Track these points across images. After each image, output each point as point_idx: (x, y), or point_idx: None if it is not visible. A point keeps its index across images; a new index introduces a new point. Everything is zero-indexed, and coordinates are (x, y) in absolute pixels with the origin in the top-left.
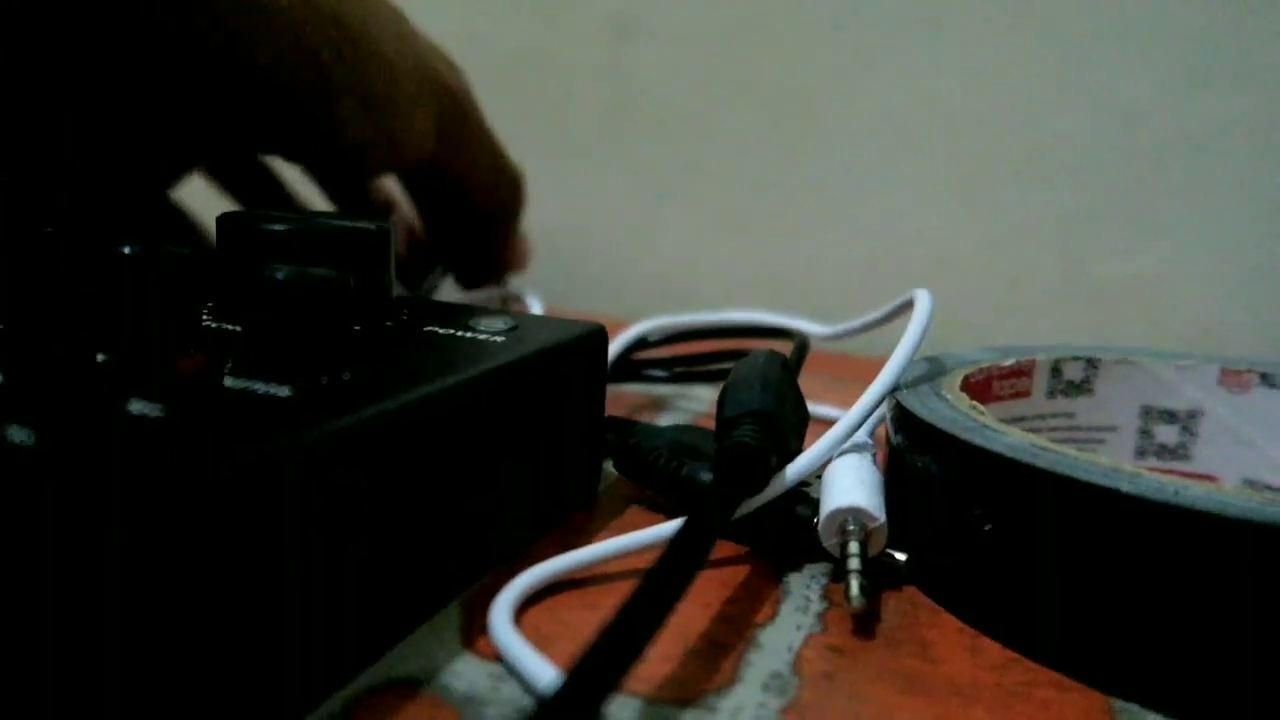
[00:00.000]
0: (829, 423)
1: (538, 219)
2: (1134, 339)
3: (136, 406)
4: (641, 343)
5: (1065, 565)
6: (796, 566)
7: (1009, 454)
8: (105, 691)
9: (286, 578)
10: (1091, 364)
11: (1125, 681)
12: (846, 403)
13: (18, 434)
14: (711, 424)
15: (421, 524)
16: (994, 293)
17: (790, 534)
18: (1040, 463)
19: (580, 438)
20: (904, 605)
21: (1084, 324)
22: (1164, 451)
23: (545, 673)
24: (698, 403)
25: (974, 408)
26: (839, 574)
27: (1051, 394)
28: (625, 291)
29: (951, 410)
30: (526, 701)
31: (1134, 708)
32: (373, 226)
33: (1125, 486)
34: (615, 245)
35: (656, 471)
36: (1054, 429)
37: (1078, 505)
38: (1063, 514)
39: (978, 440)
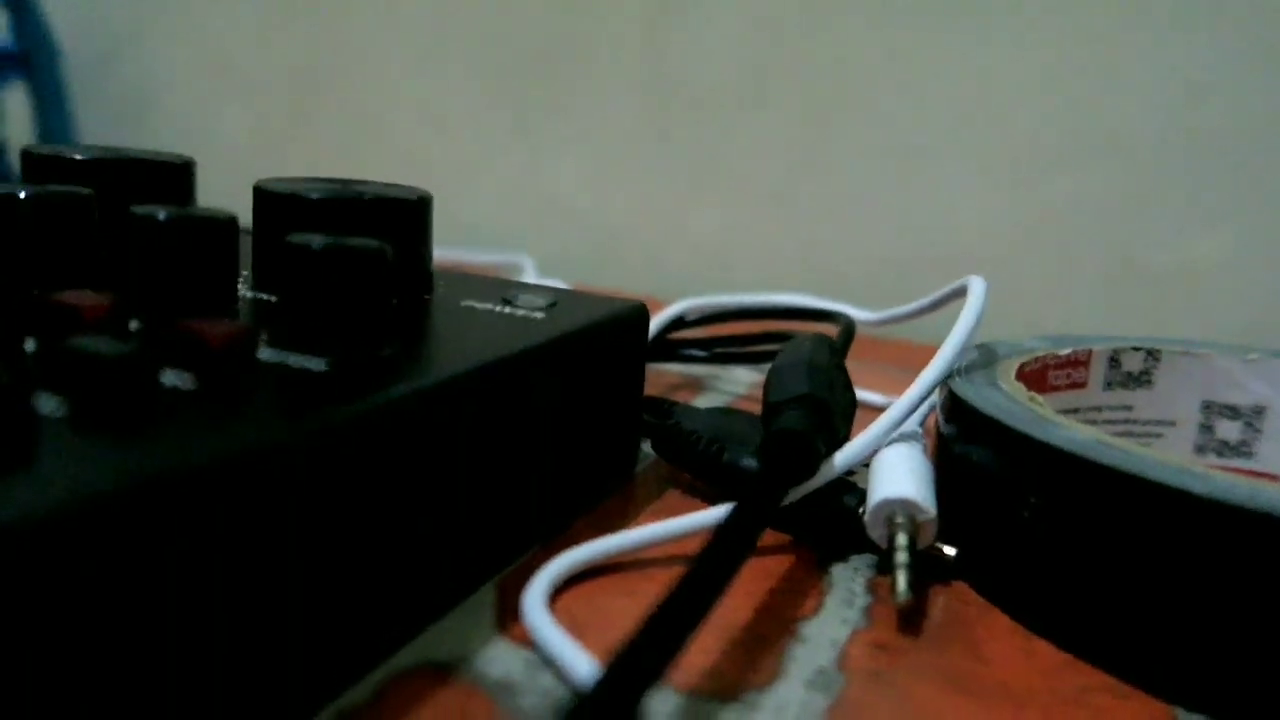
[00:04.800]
0: (875, 410)
1: (574, 198)
2: (1187, 331)
3: (170, 378)
4: (679, 322)
5: (1129, 566)
6: (841, 557)
7: (1073, 449)
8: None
9: (316, 556)
10: (1152, 355)
11: (1189, 690)
12: (892, 390)
13: (48, 403)
14: (751, 408)
15: (456, 504)
16: (1041, 280)
17: (836, 524)
18: (1107, 459)
19: (618, 417)
20: (953, 602)
21: (1135, 315)
22: (1225, 448)
23: (581, 662)
24: (736, 385)
25: (1033, 399)
26: (885, 566)
27: (1109, 385)
28: (661, 273)
29: (1009, 401)
30: (562, 690)
31: (1198, 718)
32: (413, 196)
33: (1198, 487)
34: (651, 226)
35: (696, 455)
36: (1110, 422)
37: (1146, 505)
38: (1129, 514)
39: (1039, 434)
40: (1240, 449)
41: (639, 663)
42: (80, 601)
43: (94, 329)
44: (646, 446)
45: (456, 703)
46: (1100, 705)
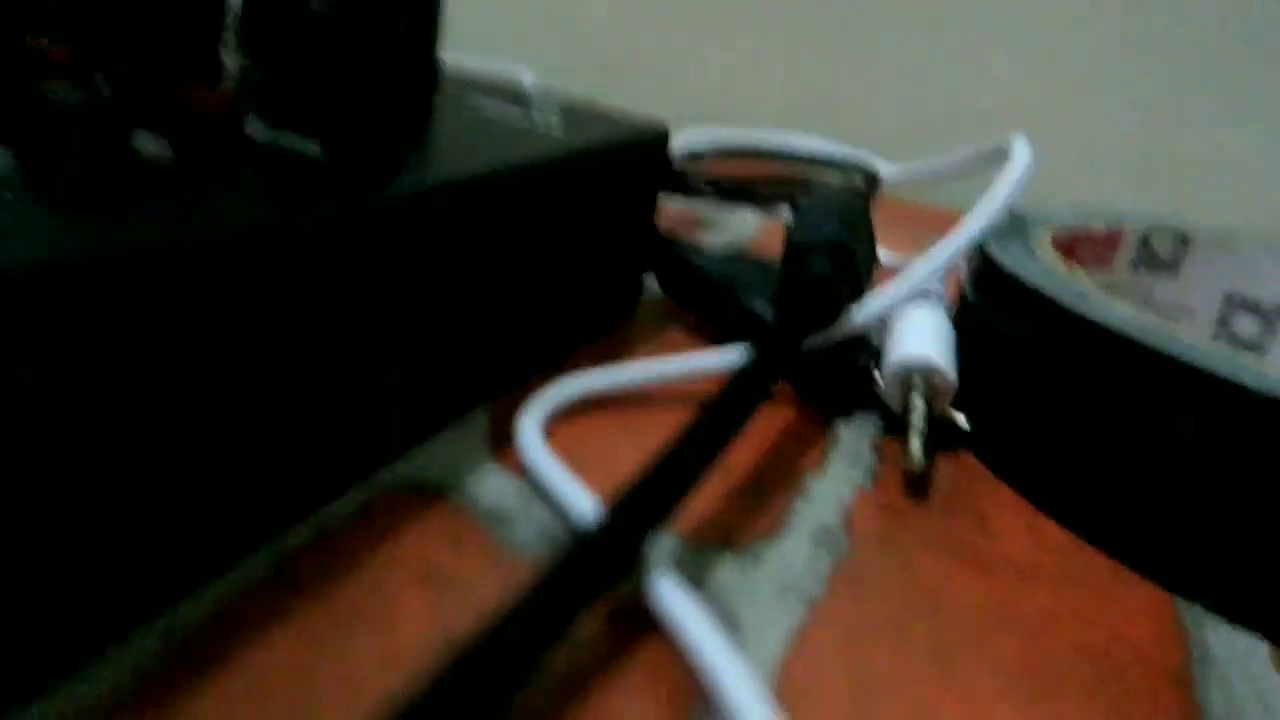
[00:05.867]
0: (889, 271)
1: (587, 5)
2: (1211, 221)
3: (143, 143)
4: (689, 156)
5: (1158, 454)
6: (847, 414)
7: (1120, 329)
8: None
9: (299, 354)
10: (1183, 241)
11: (1195, 582)
12: (911, 251)
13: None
14: (760, 254)
15: (450, 317)
16: (1068, 157)
17: (847, 380)
18: (1155, 342)
19: (628, 246)
20: (961, 472)
21: (1161, 200)
22: (1238, 343)
23: (578, 496)
24: (744, 227)
25: (1074, 272)
26: (892, 427)
27: (1135, 266)
28: (673, 103)
29: (1047, 272)
30: (557, 523)
31: (1196, 608)
32: None
33: (1251, 381)
34: (668, 51)
35: (706, 294)
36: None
37: (1192, 394)
38: (1171, 400)
39: (1081, 309)
40: (1254, 346)
41: (644, 504)
42: (24, 392)
43: (57, 76)
44: (649, 281)
45: (446, 527)
46: (1107, 590)
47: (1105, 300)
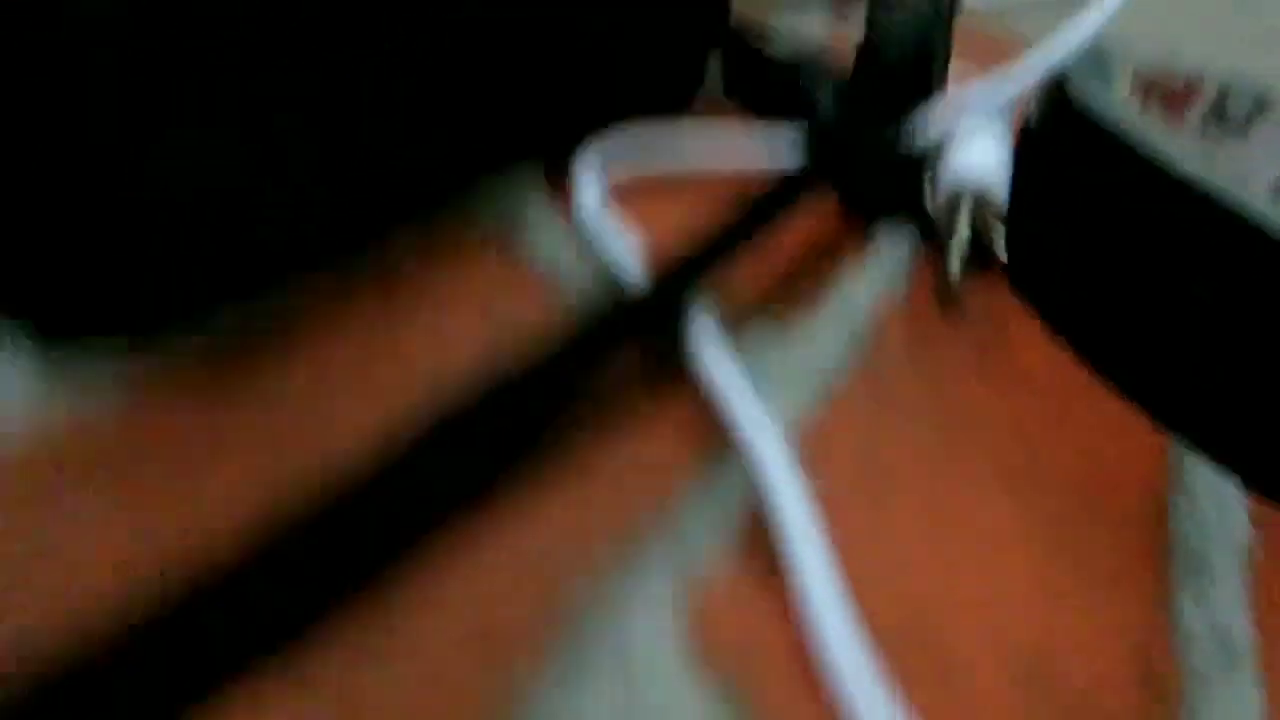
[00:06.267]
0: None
1: None
2: None
3: None
4: None
5: (1187, 303)
6: (888, 218)
7: (1183, 176)
8: None
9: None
10: (1260, 104)
11: (1190, 424)
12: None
13: None
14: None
15: (509, 53)
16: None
17: (898, 188)
18: (1218, 196)
19: (696, 13)
20: (993, 296)
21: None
22: None
23: (629, 252)
24: (815, 34)
25: (1151, 115)
26: (928, 235)
27: (1206, 122)
28: None
29: (1126, 113)
30: (605, 276)
31: (1188, 455)
32: None
33: None
34: None
35: (769, 86)
36: None
37: (1243, 252)
38: (1221, 256)
39: (1148, 152)
40: None
41: (688, 264)
42: None
43: None
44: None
45: (501, 271)
46: (1110, 416)
47: (1175, 149)
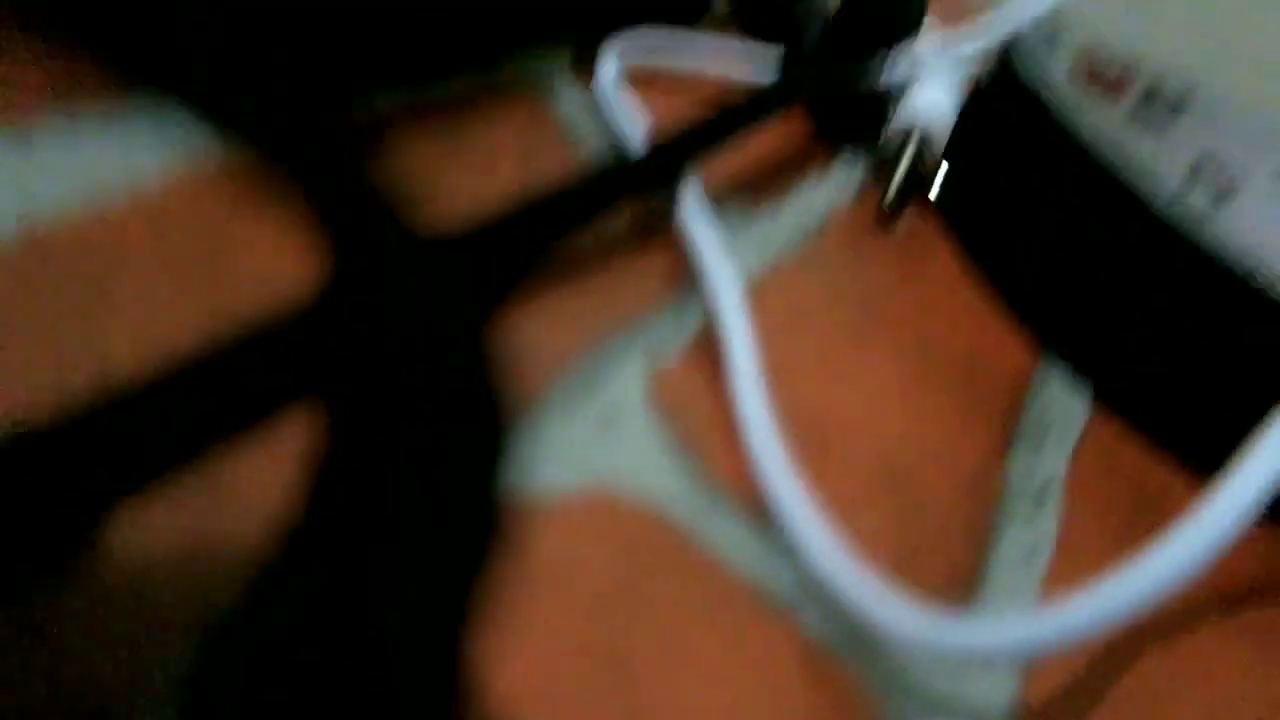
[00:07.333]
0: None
1: None
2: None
3: None
4: None
5: (1092, 262)
6: (850, 144)
7: (1092, 149)
8: None
9: None
10: (1186, 97)
11: (1065, 340)
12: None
13: None
14: None
15: None
16: None
17: (862, 119)
18: (1121, 175)
19: None
20: (926, 223)
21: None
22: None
23: (638, 124)
24: None
25: (1088, 94)
26: (878, 163)
27: (1136, 110)
28: None
29: (1061, 89)
30: (615, 140)
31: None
32: None
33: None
34: None
35: (769, 8)
36: None
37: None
38: (1130, 236)
39: (1080, 133)
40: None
41: (683, 142)
42: None
43: None
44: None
45: (532, 126)
46: (1004, 324)
47: (1100, 130)
